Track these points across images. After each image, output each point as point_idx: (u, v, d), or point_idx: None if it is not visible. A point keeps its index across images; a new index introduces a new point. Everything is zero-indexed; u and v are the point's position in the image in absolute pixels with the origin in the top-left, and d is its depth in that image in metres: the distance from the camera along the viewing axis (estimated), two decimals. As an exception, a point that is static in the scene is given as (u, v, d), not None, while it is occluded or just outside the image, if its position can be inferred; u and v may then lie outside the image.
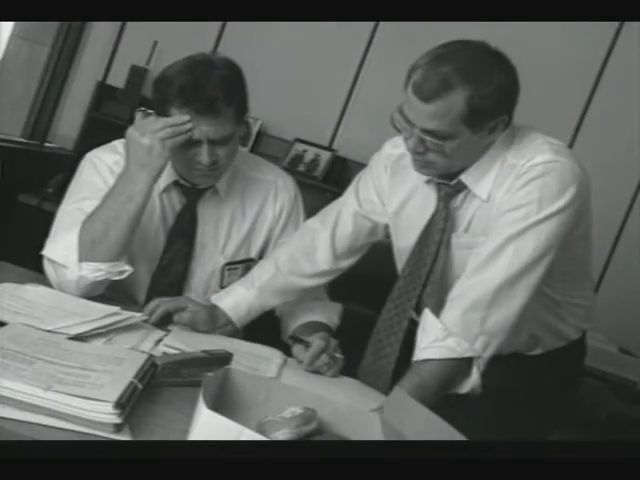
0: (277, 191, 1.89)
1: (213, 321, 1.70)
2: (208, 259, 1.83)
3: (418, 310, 1.59)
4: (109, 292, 1.71)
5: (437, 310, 1.49)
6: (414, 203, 1.65)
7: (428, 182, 1.60)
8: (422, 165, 1.52)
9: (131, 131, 1.64)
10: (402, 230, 1.68)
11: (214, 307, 1.72)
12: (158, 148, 1.60)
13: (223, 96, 1.63)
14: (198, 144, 1.65)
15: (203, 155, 1.65)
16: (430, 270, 1.58)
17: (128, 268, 1.66)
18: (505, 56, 1.48)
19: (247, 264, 1.86)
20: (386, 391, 1.51)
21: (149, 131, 1.61)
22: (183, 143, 1.63)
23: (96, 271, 1.62)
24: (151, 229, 1.79)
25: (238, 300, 1.73)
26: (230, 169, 1.81)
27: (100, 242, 1.60)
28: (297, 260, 1.76)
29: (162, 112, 1.67)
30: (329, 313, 1.85)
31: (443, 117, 1.41)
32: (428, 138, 1.44)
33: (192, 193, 1.80)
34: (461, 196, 1.55)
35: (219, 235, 1.83)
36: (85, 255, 1.61)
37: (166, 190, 1.79)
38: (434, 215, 1.59)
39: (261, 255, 1.88)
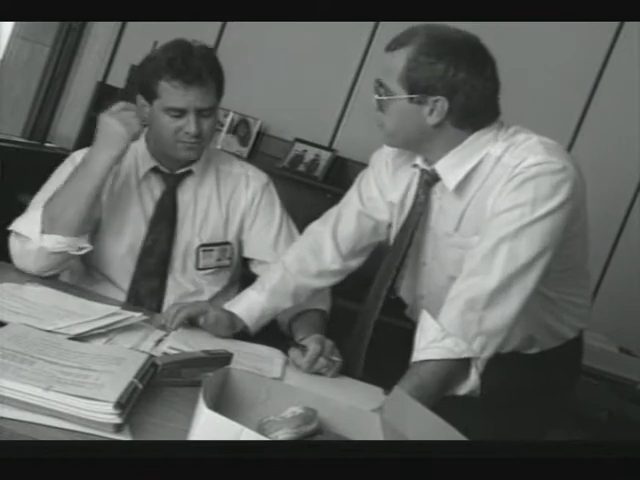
0: (248, 180, 1.97)
1: (233, 326, 1.73)
2: (186, 241, 1.90)
3: (393, 292, 1.65)
4: (95, 281, 1.82)
5: (434, 311, 1.49)
6: (411, 195, 1.66)
7: (414, 167, 1.63)
8: (378, 126, 1.57)
9: (102, 115, 1.75)
10: (399, 223, 1.70)
11: (232, 313, 1.75)
12: (121, 131, 1.70)
13: (207, 68, 1.77)
14: (185, 115, 1.76)
15: (190, 124, 1.77)
16: (405, 254, 1.62)
17: (87, 245, 1.77)
18: (484, 59, 1.50)
19: (223, 247, 1.93)
20: (360, 364, 1.63)
21: (114, 115, 1.72)
22: (170, 115, 1.76)
23: (56, 243, 1.71)
24: (130, 215, 1.87)
25: (251, 304, 1.76)
26: (203, 159, 1.91)
27: (59, 217, 1.71)
28: (304, 260, 1.78)
29: (150, 89, 1.79)
30: (320, 296, 1.89)
31: (389, 70, 1.50)
32: (376, 88, 1.53)
33: (171, 179, 1.89)
34: (440, 185, 1.57)
35: (196, 219, 1.91)
36: (46, 228, 1.71)
37: (145, 177, 1.88)
38: (415, 201, 1.62)
39: (238, 239, 1.95)
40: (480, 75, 1.48)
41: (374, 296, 1.67)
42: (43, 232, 1.70)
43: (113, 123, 1.72)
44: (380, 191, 1.74)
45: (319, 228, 1.80)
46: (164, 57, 1.76)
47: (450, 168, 1.54)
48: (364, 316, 1.69)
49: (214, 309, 1.73)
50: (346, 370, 1.66)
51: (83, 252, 1.76)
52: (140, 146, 1.89)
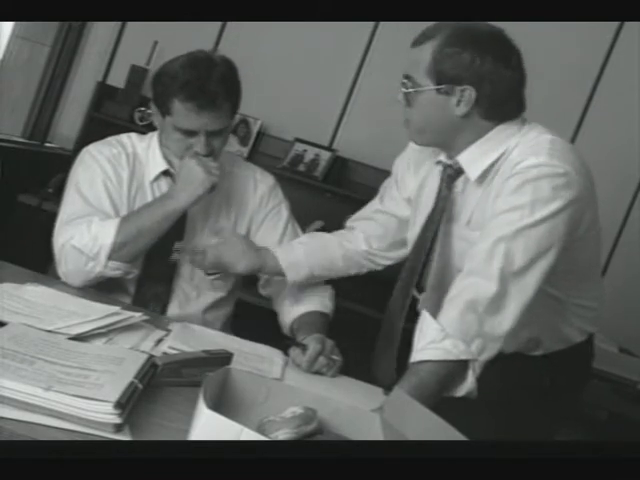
0: (256, 183, 1.97)
1: (256, 256, 1.80)
2: (196, 244, 1.88)
3: (420, 289, 1.66)
4: (101, 283, 1.79)
5: (436, 308, 1.49)
6: (429, 187, 1.68)
7: (437, 163, 1.65)
8: (405, 124, 1.59)
9: (188, 159, 1.77)
10: (417, 217, 1.71)
11: (265, 249, 1.83)
12: (203, 177, 1.73)
13: (223, 92, 1.74)
14: (196, 135, 1.76)
15: (200, 146, 1.76)
16: (429, 249, 1.62)
17: (136, 271, 1.80)
18: (509, 49, 1.53)
19: None
20: (392, 369, 1.60)
21: (199, 162, 1.75)
22: (181, 134, 1.76)
23: (115, 270, 1.75)
24: None
25: (290, 250, 1.82)
26: None
27: (130, 246, 1.74)
28: (345, 236, 1.86)
29: (164, 104, 1.76)
30: (322, 299, 1.90)
31: (416, 63, 1.53)
32: (404, 82, 1.55)
33: None
34: (462, 179, 1.59)
35: (207, 224, 1.90)
36: (113, 254, 1.73)
37: (156, 179, 1.87)
38: (437, 196, 1.63)
39: None
40: (506, 65, 1.51)
41: (400, 296, 1.66)
42: (109, 258, 1.73)
43: (197, 170, 1.74)
44: (398, 189, 1.78)
45: (349, 225, 1.87)
46: (181, 77, 1.73)
47: (473, 160, 1.55)
48: (391, 318, 1.68)
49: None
50: (377, 378, 1.66)
51: (130, 276, 1.81)
52: (154, 146, 1.88)
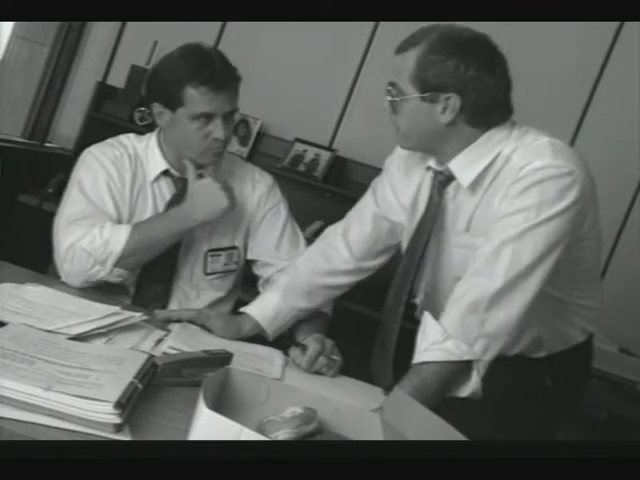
0: (255, 183, 1.97)
1: (234, 327, 1.75)
2: (194, 246, 1.89)
3: (413, 295, 1.65)
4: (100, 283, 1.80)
5: (438, 312, 1.49)
6: (422, 194, 1.67)
7: (427, 169, 1.63)
8: (395, 129, 1.58)
9: (208, 180, 1.79)
10: (412, 223, 1.70)
11: (239, 315, 1.79)
12: (223, 204, 1.77)
13: (231, 73, 1.78)
14: (212, 120, 1.76)
15: (218, 129, 1.77)
16: (422, 255, 1.61)
17: (133, 278, 1.83)
18: (493, 57, 1.51)
19: (230, 251, 1.93)
20: (389, 374, 1.58)
21: (220, 185, 1.77)
22: (199, 122, 1.76)
23: (117, 277, 1.77)
24: (144, 217, 1.85)
25: (264, 303, 1.78)
26: None
27: (137, 255, 1.77)
28: (314, 260, 1.80)
29: (175, 96, 1.76)
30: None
31: (400, 71, 1.51)
32: (389, 90, 1.53)
33: (180, 183, 1.87)
34: (453, 185, 1.57)
35: (207, 224, 1.88)
36: (121, 261, 1.75)
37: (156, 179, 1.88)
38: (429, 203, 1.61)
39: (244, 243, 1.95)
40: (491, 72, 1.49)
41: (394, 302, 1.65)
42: (116, 265, 1.74)
43: (219, 194, 1.77)
44: (394, 193, 1.74)
45: (332, 231, 1.82)
46: (189, 64, 1.75)
47: (464, 166, 1.54)
48: (386, 323, 1.66)
49: (216, 316, 1.77)
50: (375, 381, 1.65)
51: (128, 282, 1.83)
52: (152, 146, 1.88)
